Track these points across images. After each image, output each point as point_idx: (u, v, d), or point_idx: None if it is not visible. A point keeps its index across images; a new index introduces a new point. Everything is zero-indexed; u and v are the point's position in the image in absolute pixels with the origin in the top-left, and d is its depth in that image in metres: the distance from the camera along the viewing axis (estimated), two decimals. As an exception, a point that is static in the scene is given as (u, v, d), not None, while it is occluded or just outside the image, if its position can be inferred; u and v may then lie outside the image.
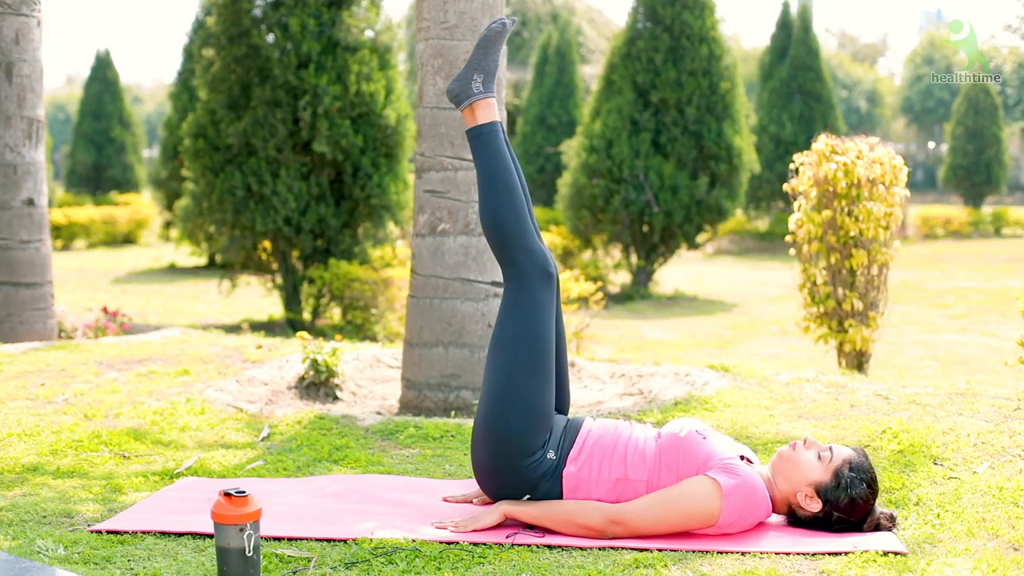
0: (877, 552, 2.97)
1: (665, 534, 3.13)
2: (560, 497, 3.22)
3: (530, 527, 3.21)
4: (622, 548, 3.07)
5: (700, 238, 16.03)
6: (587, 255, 16.63)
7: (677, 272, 17.87)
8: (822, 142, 6.57)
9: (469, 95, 3.42)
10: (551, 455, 3.23)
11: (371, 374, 5.85)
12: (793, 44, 24.08)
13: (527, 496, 3.24)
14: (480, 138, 3.40)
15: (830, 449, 3.22)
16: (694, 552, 3.02)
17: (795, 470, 3.20)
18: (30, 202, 7.00)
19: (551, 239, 15.58)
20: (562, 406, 3.46)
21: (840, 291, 6.60)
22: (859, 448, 3.27)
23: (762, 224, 24.22)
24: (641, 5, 15.33)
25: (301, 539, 3.13)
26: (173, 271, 18.44)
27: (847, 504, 3.15)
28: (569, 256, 15.99)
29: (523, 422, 3.20)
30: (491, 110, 3.42)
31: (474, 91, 3.42)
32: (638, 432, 3.29)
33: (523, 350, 3.24)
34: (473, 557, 2.98)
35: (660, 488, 3.17)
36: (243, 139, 10.48)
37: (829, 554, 3.00)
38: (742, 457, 3.25)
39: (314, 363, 5.40)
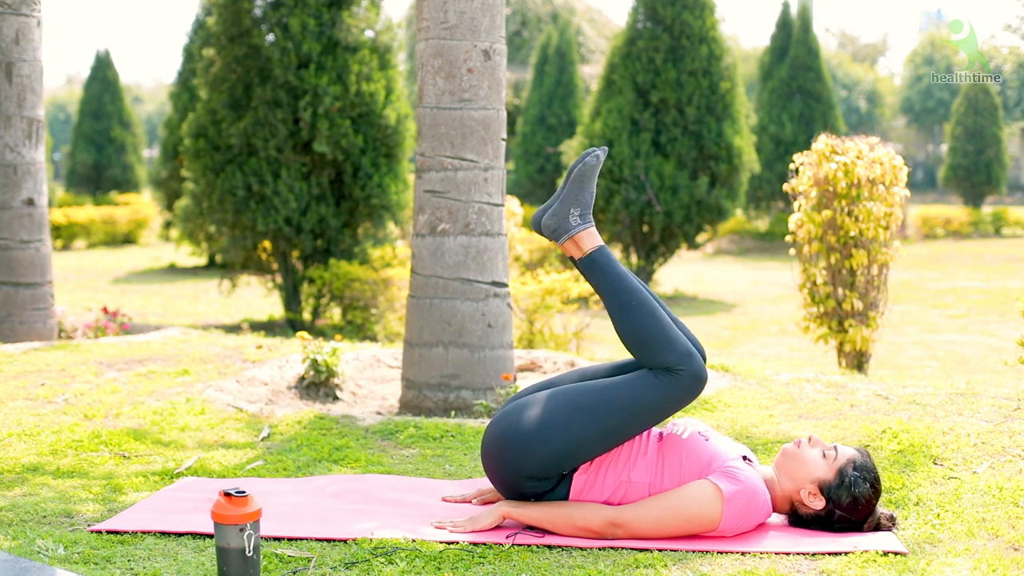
0: (877, 552, 2.97)
1: (664, 537, 3.13)
2: (566, 500, 3.22)
3: (530, 527, 3.21)
4: (622, 548, 3.07)
5: (700, 238, 16.03)
6: (587, 255, 16.60)
7: (677, 272, 17.87)
8: (822, 142, 6.57)
9: (568, 229, 3.31)
10: (564, 473, 3.22)
11: (371, 374, 5.85)
12: (793, 44, 24.08)
13: (532, 499, 3.23)
14: (595, 264, 3.30)
15: (835, 448, 3.23)
16: (694, 552, 3.03)
17: (800, 467, 3.21)
18: (30, 202, 7.00)
19: (551, 239, 15.56)
20: None
21: (840, 291, 6.60)
22: (863, 449, 3.28)
23: (762, 224, 24.23)
24: (641, 5, 15.34)
25: (301, 539, 3.13)
26: (173, 271, 18.44)
27: (850, 503, 3.16)
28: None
29: (555, 462, 3.15)
30: (594, 238, 3.32)
31: (572, 225, 3.31)
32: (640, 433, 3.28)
33: (615, 420, 3.14)
34: (473, 557, 2.98)
35: (661, 490, 3.16)
36: (243, 139, 10.48)
37: (829, 554, 3.00)
38: (744, 458, 3.25)
39: (314, 363, 5.40)
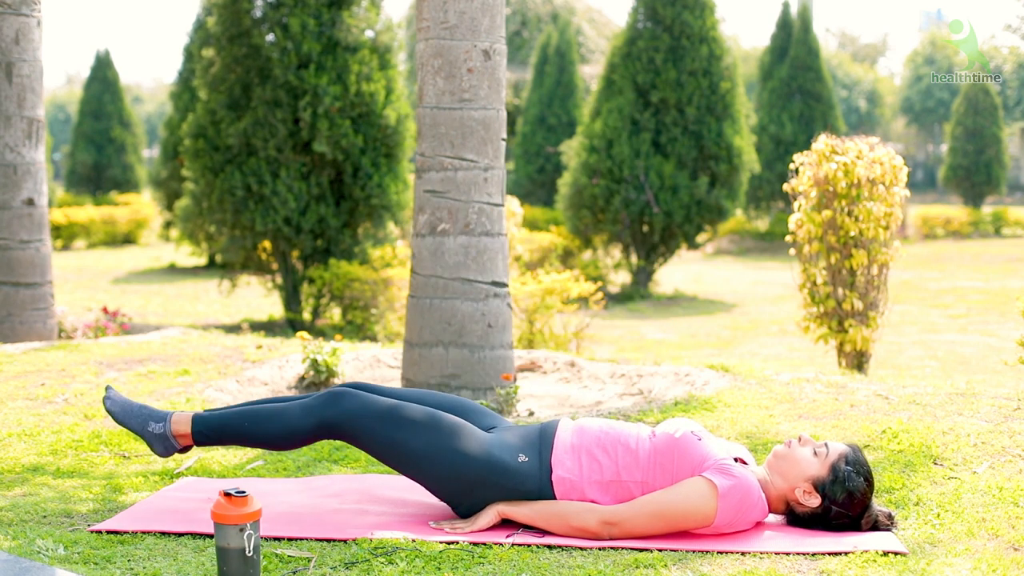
0: (877, 552, 2.97)
1: (660, 535, 3.13)
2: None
3: (528, 526, 3.21)
4: (622, 548, 3.07)
5: (700, 238, 16.03)
6: (587, 255, 16.64)
7: (677, 272, 17.87)
8: (822, 142, 6.57)
9: (166, 436, 3.40)
10: (522, 458, 3.22)
11: (371, 374, 5.85)
12: (793, 44, 24.07)
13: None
14: (203, 438, 3.38)
15: (825, 445, 3.24)
16: (694, 552, 3.02)
17: (792, 467, 3.21)
18: (30, 202, 7.00)
19: (551, 239, 15.58)
20: (487, 424, 3.44)
21: (840, 291, 6.60)
22: (854, 444, 3.28)
23: (762, 224, 24.22)
24: (641, 5, 15.34)
25: (301, 539, 3.13)
26: (173, 271, 18.43)
27: (845, 498, 3.16)
28: (569, 256, 15.99)
29: (473, 469, 3.20)
30: (183, 419, 3.41)
31: (160, 432, 3.40)
32: (629, 432, 3.29)
33: (412, 441, 3.23)
34: (473, 557, 2.98)
35: (654, 489, 3.17)
36: (243, 139, 10.48)
37: (829, 554, 3.00)
38: (737, 459, 3.25)
39: (314, 363, 5.40)
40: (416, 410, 3.29)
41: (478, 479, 3.20)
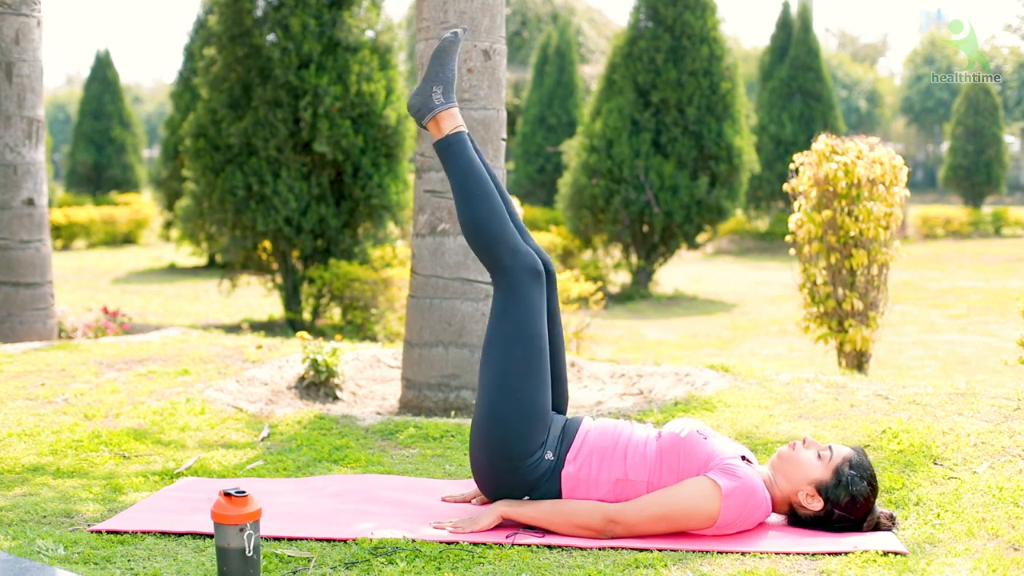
0: (877, 552, 2.97)
1: (663, 534, 3.13)
2: (559, 497, 3.22)
3: (529, 527, 3.21)
4: (622, 548, 3.07)
5: (700, 238, 16.03)
6: (587, 255, 16.64)
7: (677, 272, 17.88)
8: (822, 142, 6.57)
9: (431, 107, 3.43)
10: (549, 455, 3.23)
11: (371, 374, 5.85)
12: (793, 44, 24.08)
13: (526, 497, 3.24)
14: (449, 148, 3.41)
15: (829, 448, 3.23)
16: (694, 552, 3.02)
17: (796, 469, 3.21)
18: (30, 202, 7.00)
19: (551, 239, 15.58)
20: (560, 405, 3.46)
21: (840, 291, 6.60)
22: (858, 447, 3.28)
23: (762, 224, 24.23)
24: (643, 5, 15.35)
25: (301, 539, 3.13)
26: (173, 271, 18.43)
27: (848, 502, 3.16)
28: (569, 256, 15.99)
29: (520, 423, 3.19)
30: (455, 119, 3.43)
31: (435, 103, 3.42)
32: (638, 432, 3.29)
33: (517, 351, 3.23)
34: (473, 557, 2.98)
35: (660, 488, 3.17)
36: (244, 139, 10.48)
37: (829, 554, 3.00)
38: (743, 457, 3.25)
39: (314, 363, 5.40)
40: (548, 357, 3.27)
41: (510, 453, 3.18)
